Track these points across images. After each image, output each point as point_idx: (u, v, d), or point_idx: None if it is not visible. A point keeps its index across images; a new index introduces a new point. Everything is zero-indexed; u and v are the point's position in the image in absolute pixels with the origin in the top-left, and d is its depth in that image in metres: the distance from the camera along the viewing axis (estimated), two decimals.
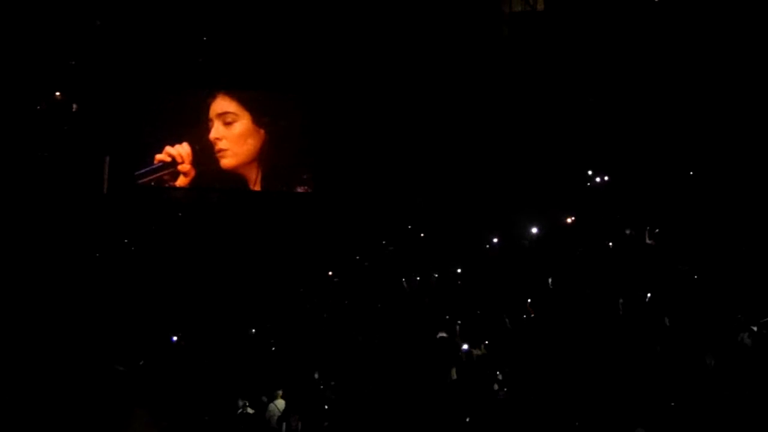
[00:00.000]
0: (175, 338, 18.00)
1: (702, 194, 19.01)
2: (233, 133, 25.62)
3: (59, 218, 22.62)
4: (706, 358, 12.03)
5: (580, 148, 22.89)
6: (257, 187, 25.67)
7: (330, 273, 21.60)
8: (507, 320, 15.76)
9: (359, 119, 24.98)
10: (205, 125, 25.48)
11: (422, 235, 22.91)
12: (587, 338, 13.76)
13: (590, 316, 14.78)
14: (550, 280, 17.20)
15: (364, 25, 24.57)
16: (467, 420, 12.75)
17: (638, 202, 19.78)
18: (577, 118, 23.20)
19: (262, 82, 25.60)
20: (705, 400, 10.89)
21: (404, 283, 19.49)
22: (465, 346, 14.99)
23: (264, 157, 25.62)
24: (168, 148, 25.37)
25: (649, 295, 14.97)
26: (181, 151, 25.38)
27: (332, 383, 15.04)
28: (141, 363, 16.42)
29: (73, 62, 24.60)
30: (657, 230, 18.18)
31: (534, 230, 20.57)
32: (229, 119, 25.57)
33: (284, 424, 14.27)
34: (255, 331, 18.75)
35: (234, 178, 25.63)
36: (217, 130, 25.50)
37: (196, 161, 25.47)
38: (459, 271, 19.80)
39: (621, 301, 14.88)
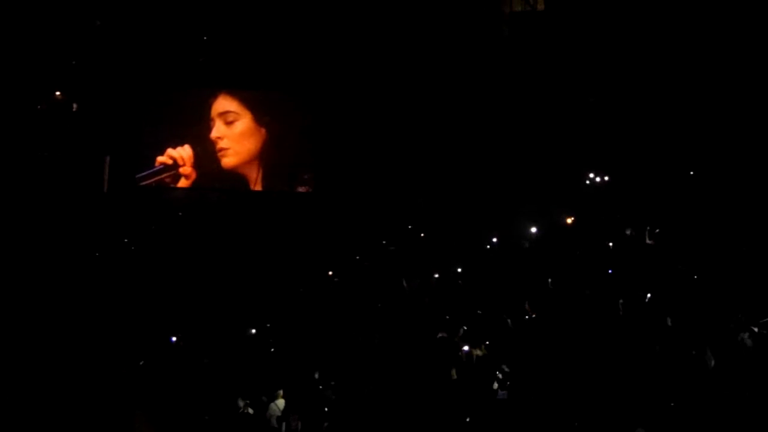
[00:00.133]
0: (174, 339, 17.99)
1: (702, 194, 19.02)
2: (234, 133, 25.64)
3: (59, 218, 22.62)
4: (707, 358, 12.04)
5: (580, 148, 22.89)
6: (258, 187, 25.67)
7: (330, 273, 21.59)
8: (509, 321, 15.76)
9: (360, 119, 24.98)
10: (207, 125, 25.49)
11: (422, 235, 22.91)
12: (587, 338, 13.77)
13: (590, 316, 14.78)
14: (549, 280, 17.20)
15: (365, 26, 24.57)
16: (467, 420, 12.76)
17: (638, 202, 19.78)
18: (577, 118, 23.20)
19: (264, 82, 25.60)
20: (705, 400, 10.89)
21: (404, 284, 19.48)
22: (465, 348, 15.00)
23: (265, 156, 25.64)
24: (170, 150, 25.36)
25: (649, 295, 14.98)
26: (183, 153, 25.38)
27: (332, 383, 15.05)
28: (141, 363, 16.44)
29: (74, 62, 24.57)
30: (657, 230, 18.18)
31: (533, 230, 20.56)
32: (230, 118, 25.59)
33: (284, 424, 14.28)
34: (255, 332, 18.74)
35: (235, 177, 25.64)
36: (218, 129, 25.51)
37: (197, 163, 25.46)
38: (459, 270, 19.80)
39: (621, 301, 14.88)
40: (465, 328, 15.87)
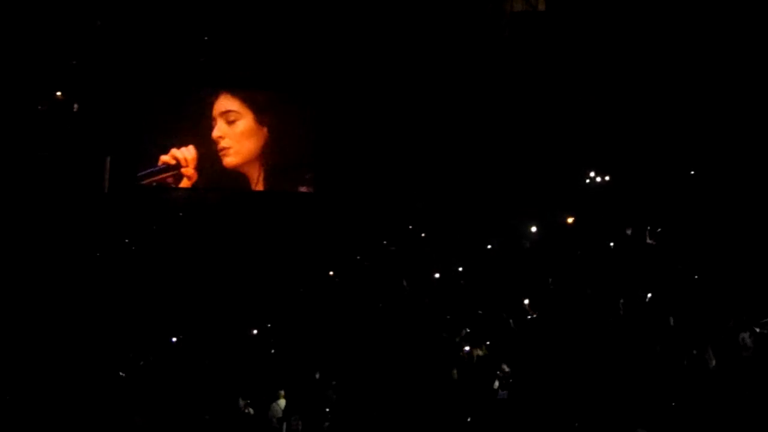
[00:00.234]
0: (174, 339, 18.01)
1: (702, 194, 19.01)
2: (236, 132, 25.64)
3: (60, 218, 22.62)
4: (707, 358, 12.03)
5: (580, 148, 22.89)
6: (260, 186, 25.64)
7: (331, 273, 21.60)
8: (511, 321, 15.75)
9: (360, 119, 24.97)
10: (209, 125, 25.47)
11: (423, 235, 22.91)
12: (588, 338, 13.76)
13: (591, 316, 14.78)
14: (550, 280, 17.20)
15: (366, 26, 24.56)
16: (468, 420, 12.76)
17: (638, 202, 19.77)
18: (578, 118, 23.19)
19: (265, 82, 25.61)
20: (705, 400, 10.89)
21: (405, 284, 19.50)
22: (466, 347, 15.01)
23: (266, 156, 25.62)
24: (174, 151, 25.35)
25: (649, 295, 14.97)
26: (187, 154, 25.36)
27: (333, 383, 15.06)
28: (141, 363, 16.45)
29: (74, 62, 24.57)
30: (659, 229, 18.17)
31: (534, 230, 20.56)
32: (231, 117, 25.59)
33: (285, 424, 14.29)
34: (256, 332, 18.75)
35: (236, 177, 25.61)
36: (219, 129, 25.51)
37: (200, 164, 25.45)
38: (460, 269, 19.80)
39: (621, 301, 14.88)
40: (468, 330, 15.87)
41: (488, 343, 14.87)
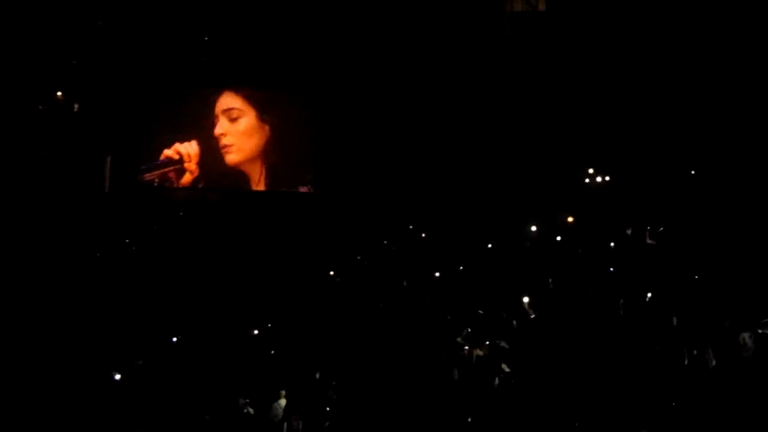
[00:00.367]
0: (175, 339, 18.00)
1: (702, 194, 19.02)
2: (238, 129, 25.67)
3: (60, 218, 22.62)
4: (707, 358, 12.03)
5: (580, 147, 22.90)
6: (261, 186, 25.65)
7: (332, 273, 21.59)
8: (514, 322, 15.74)
9: (361, 119, 24.98)
10: (211, 122, 25.49)
11: (423, 235, 22.91)
12: (589, 338, 13.77)
13: (592, 315, 14.78)
14: (550, 280, 17.20)
15: (367, 25, 24.57)
16: (469, 420, 12.76)
17: (639, 202, 19.78)
18: (578, 118, 23.20)
19: (265, 81, 25.62)
20: (706, 400, 10.89)
21: (405, 284, 19.50)
22: (466, 347, 15.00)
23: (268, 154, 25.63)
24: (177, 145, 25.40)
25: (649, 294, 14.97)
26: (189, 149, 25.42)
27: (333, 383, 15.05)
28: (140, 363, 16.44)
29: (74, 62, 24.57)
30: (661, 229, 18.18)
31: (534, 229, 20.57)
32: (234, 115, 25.63)
33: (285, 423, 14.29)
34: (257, 332, 18.74)
35: (238, 175, 25.62)
36: (222, 126, 25.55)
37: (202, 160, 25.48)
38: (461, 268, 19.80)
39: (621, 301, 14.88)
40: (469, 329, 15.87)
41: (487, 342, 14.86)
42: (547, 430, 11.72)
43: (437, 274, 19.58)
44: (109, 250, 22.47)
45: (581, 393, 11.97)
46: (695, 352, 12.30)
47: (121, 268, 21.57)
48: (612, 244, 18.55)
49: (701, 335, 12.62)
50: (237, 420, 14.68)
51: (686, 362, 12.24)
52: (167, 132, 25.65)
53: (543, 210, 21.40)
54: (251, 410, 14.63)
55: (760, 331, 12.37)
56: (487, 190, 23.45)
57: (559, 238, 19.94)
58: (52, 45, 23.96)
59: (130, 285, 20.47)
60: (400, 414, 13.34)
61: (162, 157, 25.41)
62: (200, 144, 25.47)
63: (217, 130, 25.51)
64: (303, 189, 25.79)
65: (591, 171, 22.77)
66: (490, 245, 20.90)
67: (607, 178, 22.35)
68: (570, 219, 20.64)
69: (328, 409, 14.35)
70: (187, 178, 25.51)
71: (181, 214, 24.93)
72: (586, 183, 22.70)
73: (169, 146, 25.41)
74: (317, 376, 15.48)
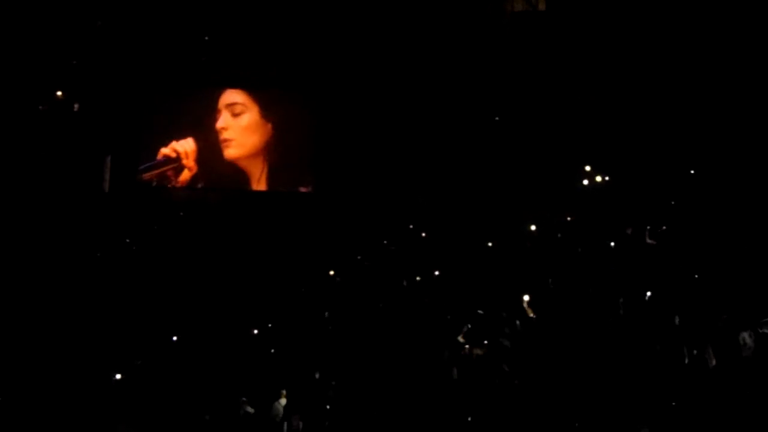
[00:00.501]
0: (175, 338, 18.01)
1: (702, 194, 19.02)
2: (240, 125, 25.62)
3: (60, 218, 22.62)
4: (708, 357, 12.03)
5: (581, 147, 22.89)
6: (262, 184, 25.58)
7: (332, 272, 21.59)
8: (518, 322, 15.74)
9: (361, 119, 24.96)
10: (211, 119, 25.43)
11: (423, 234, 22.90)
12: (590, 337, 13.77)
13: (592, 315, 14.78)
14: (550, 279, 17.21)
15: (367, 25, 24.56)
16: (469, 419, 12.76)
17: (639, 201, 19.79)
18: (578, 118, 23.19)
19: (264, 81, 25.59)
20: (706, 399, 10.89)
21: (405, 283, 19.50)
22: (467, 345, 15.01)
23: (270, 153, 25.57)
24: (174, 144, 25.38)
25: (649, 293, 14.98)
26: (186, 147, 25.38)
27: (333, 383, 15.06)
28: (139, 363, 16.44)
29: (75, 62, 24.57)
30: (663, 227, 18.18)
31: (533, 228, 20.58)
32: (237, 110, 25.58)
33: (285, 423, 14.30)
34: (257, 332, 18.75)
35: (238, 172, 25.54)
36: (224, 120, 25.50)
37: (200, 157, 25.45)
38: (461, 268, 19.80)
39: (621, 300, 14.88)
40: (469, 325, 15.86)
41: (486, 342, 14.86)
42: (547, 429, 11.72)
43: (437, 273, 19.59)
44: (109, 249, 22.48)
45: (581, 392, 11.96)
46: (695, 351, 12.30)
47: (121, 267, 21.59)
48: (612, 243, 18.56)
49: (701, 334, 12.62)
50: (237, 419, 14.68)
51: (686, 362, 12.25)
52: (164, 131, 25.62)
53: (543, 209, 21.40)
54: (251, 409, 14.64)
55: (760, 330, 12.38)
56: (487, 189, 23.43)
57: (559, 238, 19.95)
58: (52, 45, 23.95)
59: (130, 284, 20.49)
60: (400, 414, 13.34)
61: (159, 156, 25.39)
62: (198, 141, 25.43)
63: (219, 124, 25.46)
64: (303, 189, 25.74)
65: (592, 171, 22.76)
66: (490, 244, 20.91)
67: (607, 178, 22.34)
68: (569, 219, 20.63)
69: (328, 407, 14.35)
70: (185, 176, 25.49)
71: (181, 213, 24.91)
72: (587, 182, 22.69)
73: (166, 145, 25.40)
74: (317, 376, 15.48)
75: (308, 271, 21.62)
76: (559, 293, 16.56)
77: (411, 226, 23.42)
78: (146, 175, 25.39)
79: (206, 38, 25.24)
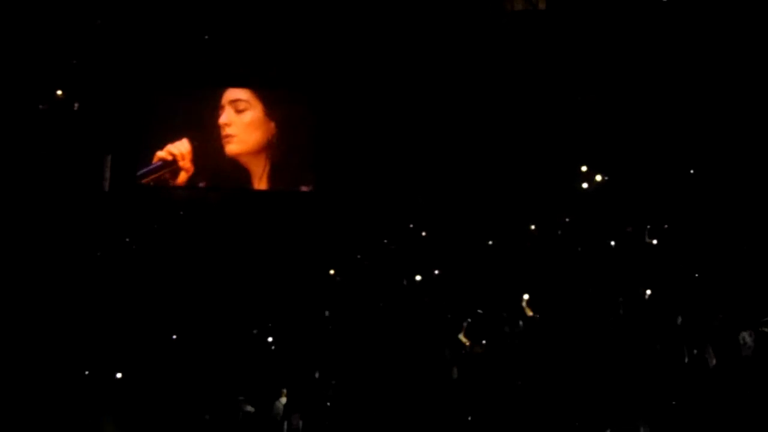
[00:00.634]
0: (174, 337, 18.02)
1: (702, 193, 19.03)
2: (243, 121, 25.57)
3: (60, 218, 22.62)
4: (708, 357, 12.03)
5: (581, 146, 22.90)
6: (263, 183, 25.54)
7: (332, 272, 21.60)
8: (520, 322, 15.74)
9: (361, 118, 24.97)
10: (212, 117, 25.38)
11: (423, 234, 22.91)
12: (589, 336, 13.77)
13: (592, 314, 14.79)
14: (550, 279, 17.22)
15: (366, 25, 24.56)
16: (469, 419, 12.76)
17: (638, 201, 19.80)
18: (578, 117, 23.20)
19: (265, 81, 25.59)
20: (706, 399, 10.89)
21: (405, 283, 19.51)
22: (467, 343, 15.02)
23: (273, 151, 25.51)
24: (169, 146, 25.34)
25: (648, 292, 14.99)
26: (182, 148, 25.33)
27: (333, 382, 15.06)
28: (140, 362, 16.45)
29: (74, 62, 24.57)
30: (665, 226, 18.20)
31: (533, 228, 20.59)
32: (241, 107, 25.53)
33: (285, 423, 14.30)
34: (257, 331, 18.76)
35: (240, 170, 25.49)
36: (227, 116, 25.45)
37: (197, 157, 25.40)
38: (461, 267, 19.82)
39: (620, 299, 14.89)
40: (469, 320, 15.86)
41: (484, 342, 14.87)
42: (547, 429, 11.72)
43: (436, 272, 19.60)
44: (109, 249, 22.48)
45: (581, 392, 11.97)
46: (695, 351, 12.30)
47: (121, 267, 21.59)
48: (612, 243, 18.57)
49: (701, 334, 12.62)
50: (237, 419, 14.69)
51: (686, 361, 12.25)
52: (160, 132, 25.58)
53: (543, 209, 21.41)
54: (251, 408, 14.64)
55: (760, 329, 12.37)
56: (488, 189, 23.43)
57: (559, 238, 19.96)
58: (52, 45, 23.94)
59: (131, 284, 20.49)
60: (399, 413, 13.34)
61: (156, 160, 25.35)
62: (195, 141, 25.37)
63: (222, 120, 25.41)
64: (305, 188, 25.71)
65: (592, 170, 22.77)
66: (490, 243, 20.93)
67: (607, 178, 22.35)
68: (567, 220, 20.66)
69: (328, 404, 14.36)
70: (182, 178, 25.46)
71: (181, 213, 24.91)
72: (587, 182, 22.70)
73: (161, 148, 25.35)
74: (317, 375, 15.49)
75: (308, 270, 21.63)
76: (559, 293, 16.55)
77: (411, 226, 23.43)
78: (144, 180, 25.36)
79: (206, 37, 25.23)
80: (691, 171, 20.60)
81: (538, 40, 24.08)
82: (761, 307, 12.83)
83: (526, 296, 16.16)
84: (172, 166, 25.37)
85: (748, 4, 21.09)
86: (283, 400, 14.80)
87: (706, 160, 20.39)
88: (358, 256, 22.20)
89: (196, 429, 14.56)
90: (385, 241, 22.91)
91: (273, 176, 25.54)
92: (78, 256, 21.45)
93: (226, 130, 25.41)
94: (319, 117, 25.65)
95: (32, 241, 21.32)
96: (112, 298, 19.64)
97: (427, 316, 17.08)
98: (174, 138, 25.43)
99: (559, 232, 20.18)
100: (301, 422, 14.09)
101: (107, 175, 24.83)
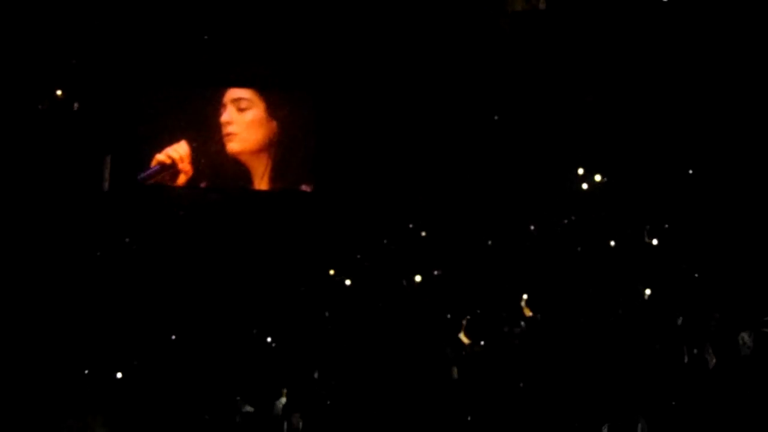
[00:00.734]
0: (174, 337, 18.03)
1: (702, 193, 19.03)
2: (245, 120, 25.49)
3: (60, 218, 22.63)
4: (707, 357, 12.01)
5: (581, 146, 22.91)
6: (264, 182, 25.49)
7: (332, 272, 21.61)
8: (523, 323, 15.73)
9: (361, 118, 24.97)
10: (213, 116, 25.35)
11: (423, 234, 22.92)
12: (589, 336, 13.77)
13: (592, 314, 14.79)
14: (550, 279, 17.22)
15: (366, 24, 24.57)
16: (469, 419, 12.76)
17: (639, 201, 19.80)
18: (578, 117, 23.20)
19: (264, 81, 25.58)
20: (705, 399, 10.89)
21: (404, 283, 19.52)
22: (466, 341, 15.03)
23: (275, 151, 25.46)
24: (167, 150, 25.28)
25: (648, 291, 14.98)
26: (180, 151, 25.26)
27: (332, 382, 15.06)
28: (140, 362, 16.48)
29: (74, 61, 24.57)
30: (666, 226, 18.20)
31: (533, 228, 20.59)
32: (243, 105, 25.46)
33: (285, 423, 14.30)
34: (256, 331, 18.78)
35: (240, 169, 25.44)
36: (229, 114, 25.37)
37: (197, 157, 25.37)
38: (461, 267, 19.82)
39: (620, 299, 14.89)
40: (469, 317, 15.86)
41: (482, 343, 14.87)
42: (547, 428, 11.73)
43: (436, 273, 19.61)
44: (109, 249, 22.48)
45: (581, 392, 11.97)
46: (695, 351, 12.29)
47: (121, 267, 21.60)
48: (612, 243, 18.57)
49: (701, 334, 12.61)
50: (237, 419, 14.70)
51: (686, 361, 12.24)
52: (159, 134, 25.54)
53: (543, 209, 21.41)
54: (250, 408, 14.65)
55: (761, 330, 12.36)
56: (488, 189, 23.44)
57: (558, 238, 19.96)
58: (52, 44, 23.95)
59: (131, 284, 20.51)
60: (399, 413, 13.34)
61: (154, 164, 25.30)
62: (192, 142, 25.34)
63: (224, 118, 25.32)
64: (305, 188, 25.69)
65: (592, 170, 22.77)
66: (489, 242, 20.94)
67: (606, 179, 22.35)
68: (566, 222, 20.66)
69: (328, 402, 14.36)
70: (181, 180, 25.41)
71: (181, 213, 24.91)
72: (586, 182, 22.70)
73: (160, 151, 25.31)
74: (316, 375, 15.50)
75: (308, 270, 21.64)
76: (559, 293, 16.56)
77: (411, 226, 23.43)
78: (145, 185, 25.33)
79: (205, 37, 25.23)
80: (690, 171, 20.59)
81: (538, 40, 24.09)
82: (761, 307, 12.82)
83: (525, 296, 16.17)
84: (170, 169, 25.32)
85: (748, 4, 21.08)
86: (284, 399, 14.80)
87: (705, 160, 20.38)
88: (358, 256, 22.20)
89: (195, 429, 14.57)
90: (385, 241, 22.91)
91: (274, 176, 25.51)
92: (78, 256, 21.45)
93: (228, 129, 25.33)
94: (321, 117, 25.62)
95: (32, 241, 21.33)
96: (112, 298, 19.65)
97: (427, 316, 17.07)
98: (173, 140, 25.40)
99: (559, 232, 20.17)
100: (301, 422, 14.09)
101: (107, 175, 24.81)
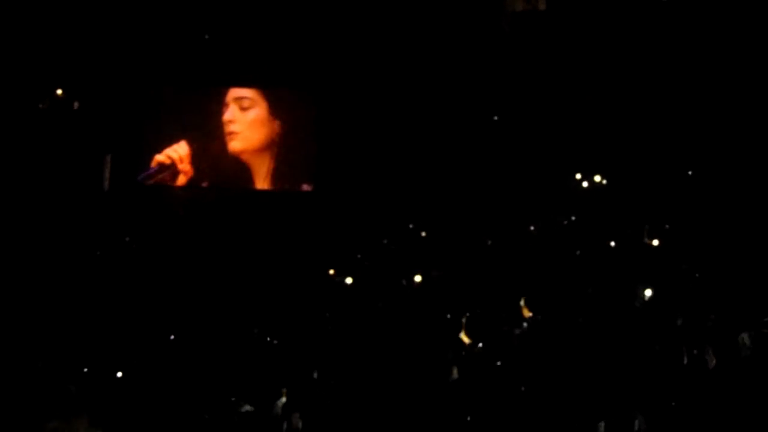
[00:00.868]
0: (173, 337, 18.02)
1: (702, 194, 19.04)
2: (247, 119, 25.47)
3: (60, 217, 22.63)
4: (707, 358, 12.02)
5: (581, 147, 22.93)
6: (266, 182, 25.47)
7: (332, 272, 21.61)
8: (525, 323, 15.71)
9: (361, 118, 24.99)
10: (214, 116, 25.34)
11: (423, 234, 22.93)
12: (588, 337, 13.78)
13: (592, 315, 14.79)
14: (549, 279, 17.22)
15: (366, 24, 24.59)
16: (468, 419, 12.75)
17: (638, 201, 19.82)
18: (579, 117, 23.22)
19: (265, 81, 25.59)
20: (705, 399, 10.89)
21: (404, 283, 19.51)
22: (466, 340, 15.01)
23: (277, 151, 25.43)
24: (167, 150, 25.26)
25: (648, 292, 14.98)
26: (180, 151, 25.26)
27: (332, 382, 15.04)
28: (140, 362, 16.46)
29: (74, 61, 24.58)
30: (665, 226, 18.21)
31: (533, 228, 20.61)
32: (245, 104, 25.44)
33: (285, 423, 14.28)
34: (257, 331, 18.76)
35: (242, 168, 25.42)
36: (231, 113, 25.34)
37: (198, 157, 25.36)
38: (461, 267, 19.83)
39: (620, 300, 14.90)
40: (468, 314, 15.84)
41: (481, 345, 14.86)
42: (546, 427, 11.72)
43: (435, 273, 19.61)
44: (109, 249, 22.48)
45: (580, 392, 11.97)
46: (695, 351, 12.29)
47: (121, 267, 21.60)
48: (612, 243, 18.58)
49: (701, 334, 12.62)
50: (236, 419, 14.68)
51: (686, 361, 12.24)
52: (160, 134, 25.54)
53: (543, 209, 21.43)
54: (250, 408, 14.63)
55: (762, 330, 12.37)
56: (488, 188, 23.45)
57: (558, 238, 19.96)
58: (52, 44, 23.96)
59: (131, 284, 20.50)
60: (399, 413, 13.33)
61: (154, 164, 25.28)
62: (193, 142, 25.33)
63: (226, 117, 25.29)
64: (306, 187, 25.67)
65: (591, 171, 22.80)
66: (490, 242, 20.94)
67: (606, 180, 22.38)
68: (566, 222, 20.67)
69: (328, 402, 14.34)
70: (181, 180, 25.41)
71: (181, 213, 24.92)
72: (587, 182, 22.72)
73: (159, 151, 25.31)
74: (315, 375, 15.48)
75: (308, 270, 21.64)
76: (559, 293, 16.55)
77: (411, 226, 23.44)
78: (145, 185, 25.34)
79: (206, 36, 25.24)
80: (690, 172, 20.61)
81: (538, 40, 24.10)
82: (761, 308, 12.84)
83: (524, 296, 16.16)
84: (170, 169, 25.30)
85: (748, 4, 21.10)
86: (284, 399, 14.78)
87: (705, 160, 20.40)
88: (358, 256, 22.20)
89: (195, 429, 14.55)
90: (385, 241, 22.91)
91: (276, 175, 25.49)
92: (78, 255, 21.45)
93: (230, 127, 25.30)
94: (323, 117, 25.60)
95: (32, 240, 21.33)
96: (112, 298, 19.65)
97: (427, 316, 17.07)
98: (174, 140, 25.39)
99: (559, 232, 20.18)
100: (301, 422, 14.07)
101: (107, 175, 24.81)
